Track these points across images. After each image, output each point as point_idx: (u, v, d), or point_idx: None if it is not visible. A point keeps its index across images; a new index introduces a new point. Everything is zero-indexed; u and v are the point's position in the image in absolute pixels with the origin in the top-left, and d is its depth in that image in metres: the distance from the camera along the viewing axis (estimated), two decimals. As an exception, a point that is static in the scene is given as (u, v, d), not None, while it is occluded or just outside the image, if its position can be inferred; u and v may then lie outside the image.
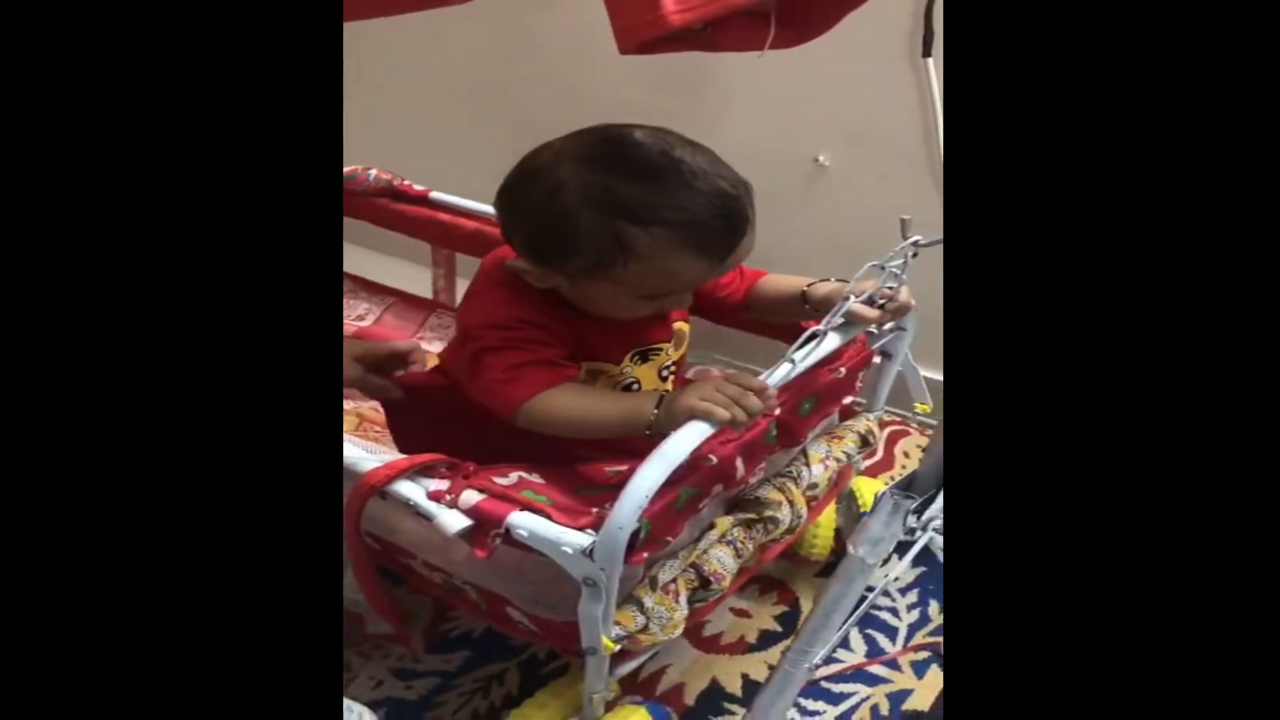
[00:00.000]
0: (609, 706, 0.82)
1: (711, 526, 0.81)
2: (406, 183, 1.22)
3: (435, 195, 1.20)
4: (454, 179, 1.21)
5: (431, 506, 0.69)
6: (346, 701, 0.63)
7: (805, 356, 0.72)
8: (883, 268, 0.74)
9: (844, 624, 0.72)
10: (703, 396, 0.69)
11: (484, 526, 0.68)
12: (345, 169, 1.24)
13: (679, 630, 0.76)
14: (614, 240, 0.73)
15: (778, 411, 0.82)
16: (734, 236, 0.75)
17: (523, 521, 0.67)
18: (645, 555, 0.71)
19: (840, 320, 0.75)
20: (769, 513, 0.84)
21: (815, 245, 0.88)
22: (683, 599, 0.76)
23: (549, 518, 0.68)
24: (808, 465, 0.91)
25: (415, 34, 1.36)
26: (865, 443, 0.97)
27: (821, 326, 0.73)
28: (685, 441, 0.66)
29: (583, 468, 0.78)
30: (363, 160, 1.25)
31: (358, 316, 1.29)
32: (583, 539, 0.66)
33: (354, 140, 1.49)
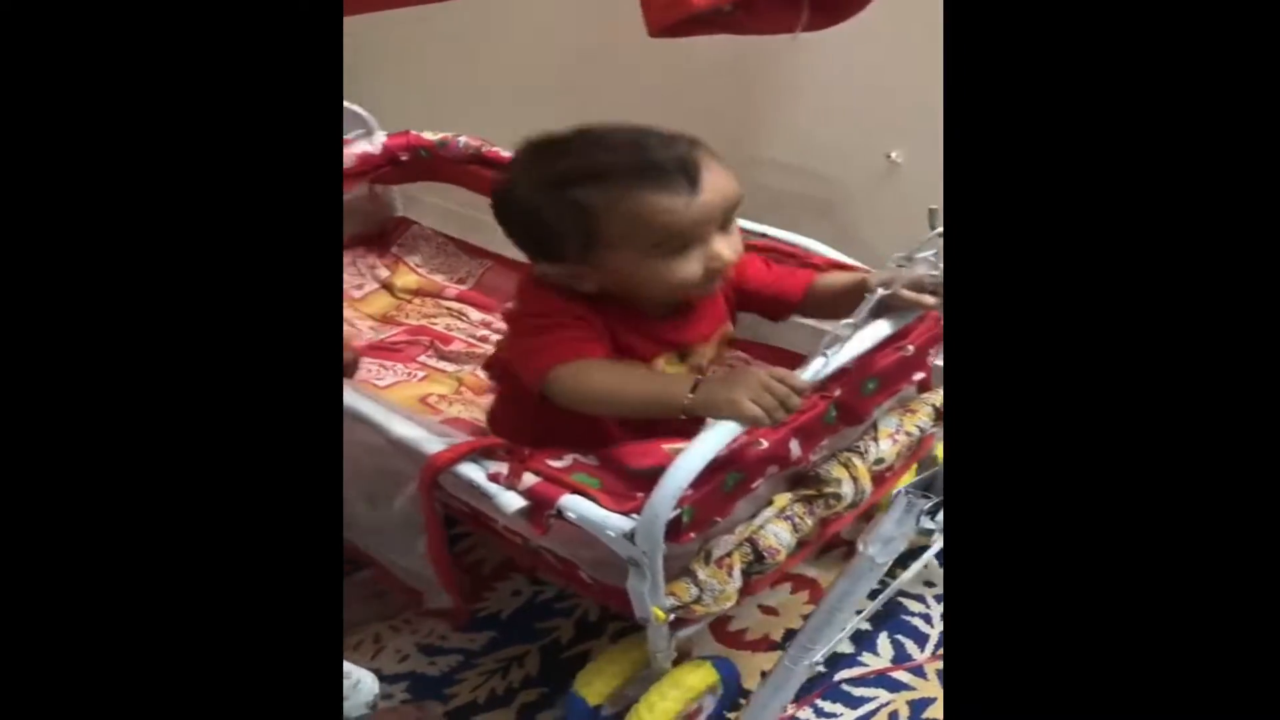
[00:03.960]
0: (675, 663, 0.86)
1: (769, 503, 0.84)
2: (494, 149, 1.26)
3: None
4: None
5: (491, 487, 0.74)
6: (348, 666, 0.68)
7: (837, 352, 0.72)
8: (909, 259, 0.73)
9: (852, 623, 0.73)
10: (751, 397, 0.70)
11: (539, 507, 0.73)
12: (438, 136, 1.30)
13: (732, 601, 0.79)
14: (574, 208, 0.79)
15: (837, 393, 0.83)
16: (686, 169, 0.77)
17: (572, 504, 0.72)
18: (693, 535, 0.75)
19: (866, 315, 0.75)
20: (829, 489, 0.86)
21: (887, 244, 0.87)
22: (736, 572, 0.79)
23: (596, 501, 0.72)
24: (876, 440, 0.91)
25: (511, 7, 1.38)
26: (940, 415, 0.96)
27: (853, 320, 0.73)
28: (718, 438, 0.69)
29: (642, 445, 0.81)
30: (455, 126, 1.30)
31: (459, 279, 1.36)
32: (625, 523, 0.70)
33: (448, 107, 1.55)
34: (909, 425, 0.94)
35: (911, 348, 0.89)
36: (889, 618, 1.00)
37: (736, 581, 0.79)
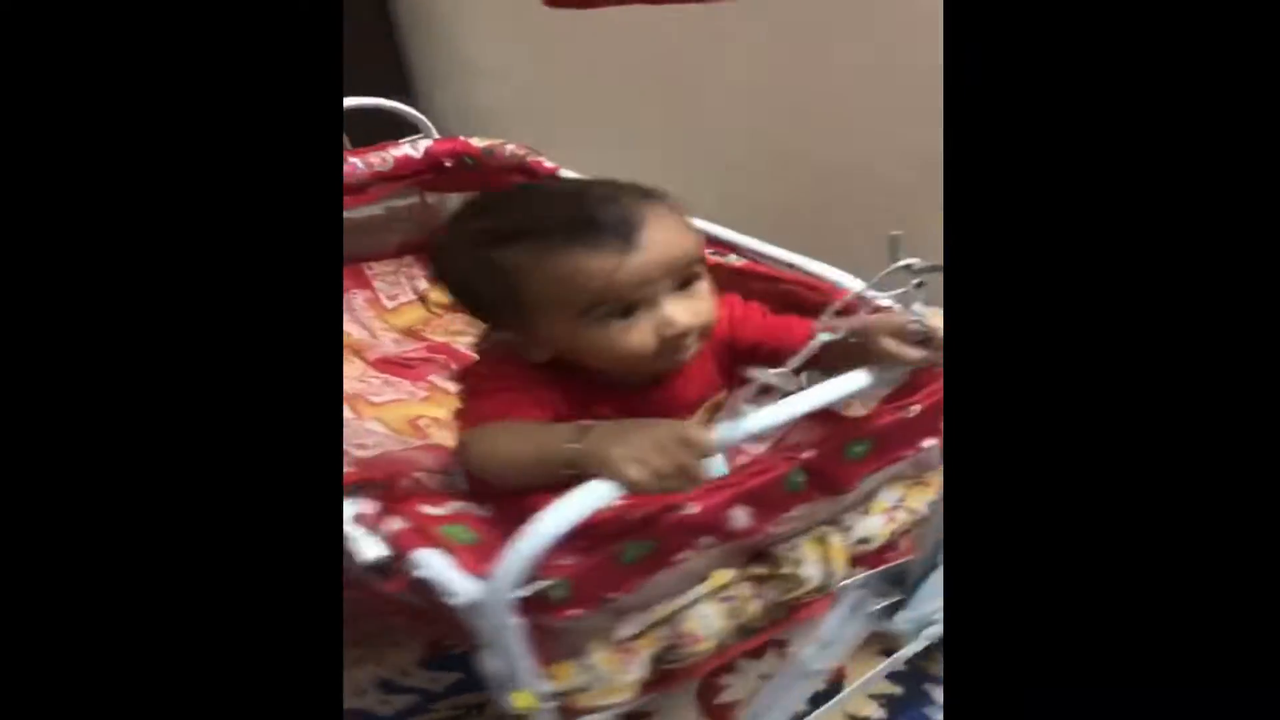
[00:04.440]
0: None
1: (705, 579, 0.70)
2: (537, 159, 1.19)
3: (563, 173, 1.18)
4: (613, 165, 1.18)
5: (352, 530, 0.65)
6: None
7: (761, 414, 0.58)
8: (863, 298, 0.58)
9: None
10: (638, 456, 0.57)
11: (399, 559, 0.63)
12: (485, 143, 1.24)
13: (628, 695, 0.66)
14: (497, 270, 0.72)
15: (806, 455, 0.69)
16: (621, 225, 0.69)
17: (424, 559, 0.61)
18: (578, 612, 0.62)
19: (798, 366, 0.59)
20: (787, 569, 0.71)
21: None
22: (641, 659, 0.66)
23: (454, 559, 0.61)
24: (866, 515, 0.76)
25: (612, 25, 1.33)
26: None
27: (775, 374, 0.58)
28: (583, 502, 0.56)
29: (546, 498, 0.70)
30: (523, 137, 1.24)
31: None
32: (471, 590, 0.58)
33: (518, 119, 1.49)
34: (914, 500, 0.77)
35: (917, 408, 0.73)
36: (910, 705, 0.84)
37: (639, 671, 0.66)
